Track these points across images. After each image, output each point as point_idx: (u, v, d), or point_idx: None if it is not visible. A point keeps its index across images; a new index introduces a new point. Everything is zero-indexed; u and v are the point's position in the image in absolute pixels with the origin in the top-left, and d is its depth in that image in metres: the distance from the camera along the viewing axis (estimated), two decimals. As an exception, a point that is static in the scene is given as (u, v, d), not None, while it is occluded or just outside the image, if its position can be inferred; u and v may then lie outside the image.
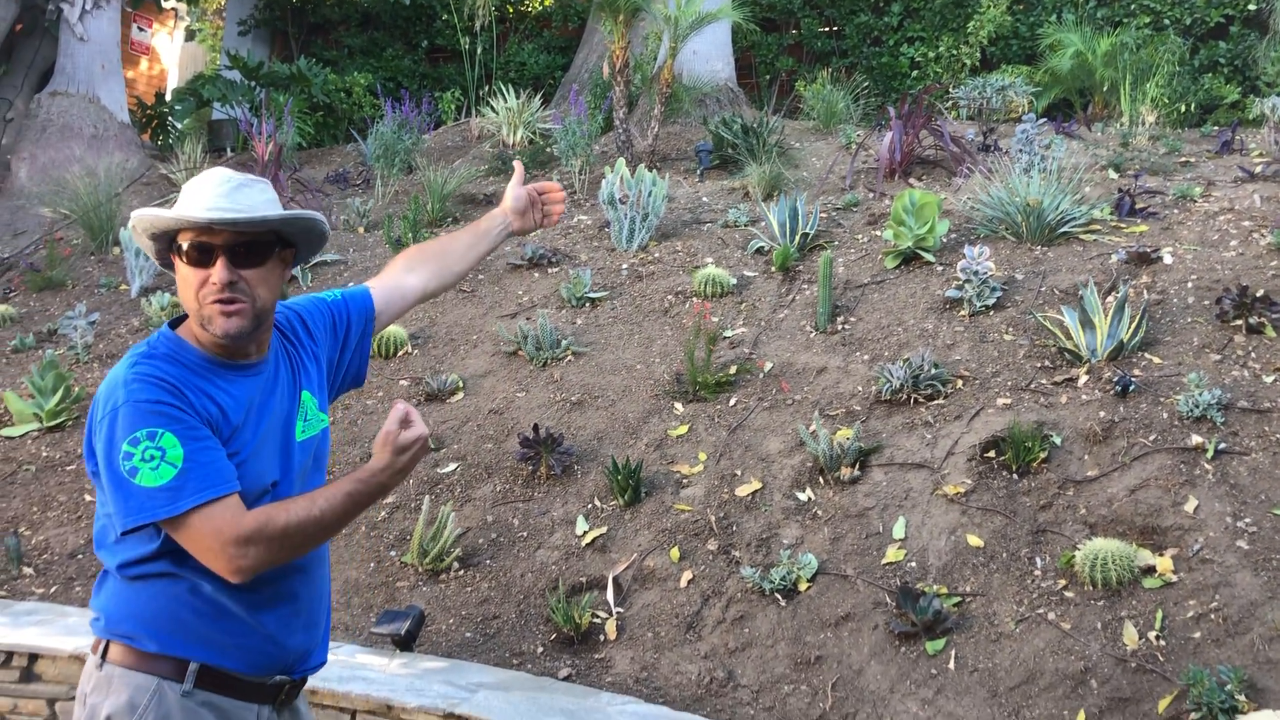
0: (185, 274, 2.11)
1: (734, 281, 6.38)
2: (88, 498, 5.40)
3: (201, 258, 2.10)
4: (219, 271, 2.08)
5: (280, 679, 2.21)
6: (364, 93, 11.83)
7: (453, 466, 5.23)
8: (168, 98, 12.58)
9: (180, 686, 2.08)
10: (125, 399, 2.03)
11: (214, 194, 2.10)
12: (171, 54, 16.10)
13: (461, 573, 4.65)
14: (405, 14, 13.62)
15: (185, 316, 2.19)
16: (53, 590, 4.87)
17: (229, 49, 12.73)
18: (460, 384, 5.82)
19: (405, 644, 4.14)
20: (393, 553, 4.81)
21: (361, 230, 8.32)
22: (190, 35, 16.35)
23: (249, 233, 2.11)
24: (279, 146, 9.56)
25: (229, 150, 11.21)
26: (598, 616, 4.32)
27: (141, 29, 14.57)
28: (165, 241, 2.17)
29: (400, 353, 6.23)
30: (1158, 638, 3.66)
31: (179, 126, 11.81)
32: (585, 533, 4.70)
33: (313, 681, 2.81)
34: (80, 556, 5.05)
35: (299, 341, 2.36)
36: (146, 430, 2.00)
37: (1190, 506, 4.07)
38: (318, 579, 2.30)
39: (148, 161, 10.74)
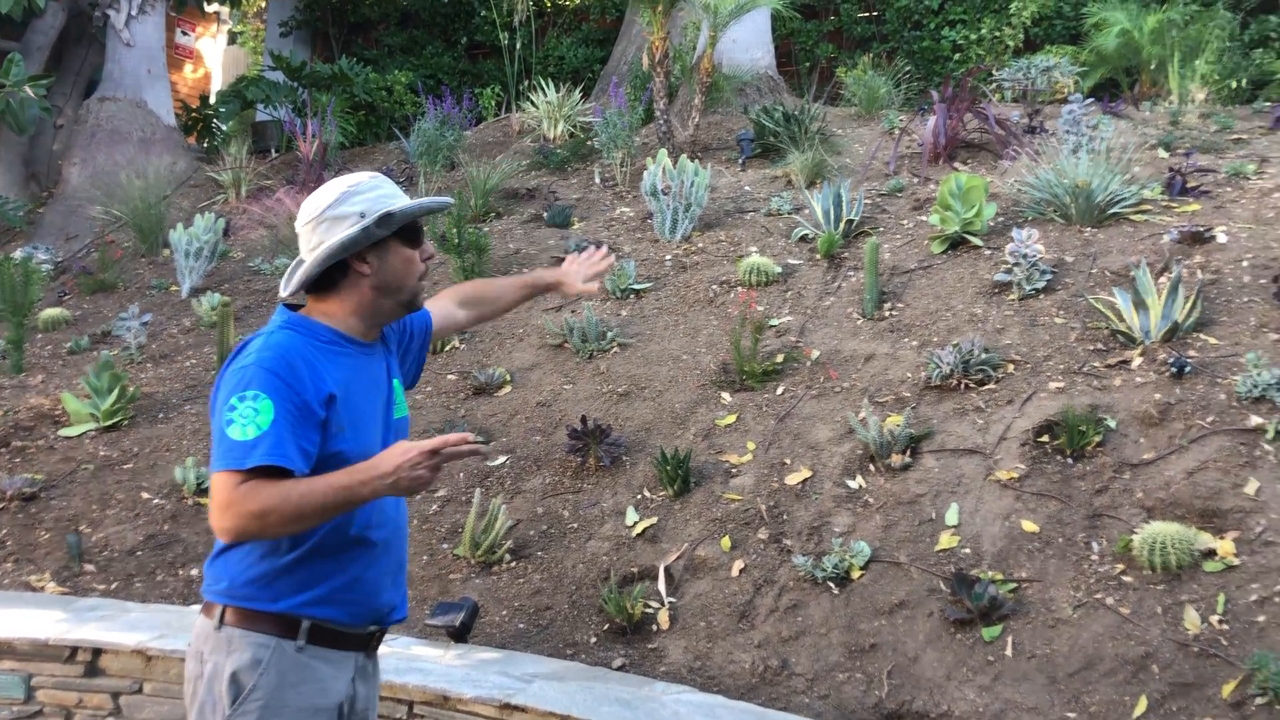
0: (406, 255, 2.41)
1: (779, 270, 6.36)
2: (144, 495, 5.49)
3: (420, 237, 2.45)
4: (429, 246, 2.48)
5: (373, 628, 2.44)
6: (405, 91, 11.90)
7: (502, 459, 5.25)
8: (212, 100, 12.73)
9: (295, 643, 2.28)
10: (251, 361, 2.23)
11: (397, 187, 2.45)
12: (215, 57, 16.30)
13: (513, 564, 4.67)
14: (444, 11, 13.67)
15: (302, 305, 2.43)
16: (113, 586, 4.95)
17: (271, 50, 12.85)
18: (507, 377, 5.84)
19: (460, 636, 4.17)
20: (445, 545, 4.85)
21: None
22: (232, 38, 16.52)
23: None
24: (323, 146, 9.66)
25: (274, 151, 11.32)
26: (650, 606, 4.32)
27: (185, 33, 14.77)
28: (382, 231, 2.36)
29: (448, 348, 6.26)
30: (1220, 622, 3.60)
31: (224, 128, 11.94)
32: (635, 523, 4.71)
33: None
34: (140, 553, 5.13)
35: (385, 334, 2.59)
36: (253, 391, 2.19)
37: (1251, 489, 4.00)
38: (404, 537, 2.54)
39: (194, 164, 10.87)
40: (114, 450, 5.91)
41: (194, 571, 4.95)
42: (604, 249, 3.21)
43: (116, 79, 10.97)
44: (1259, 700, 3.31)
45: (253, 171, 10.04)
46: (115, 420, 6.11)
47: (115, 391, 6.13)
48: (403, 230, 2.40)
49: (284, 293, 2.43)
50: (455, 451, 2.12)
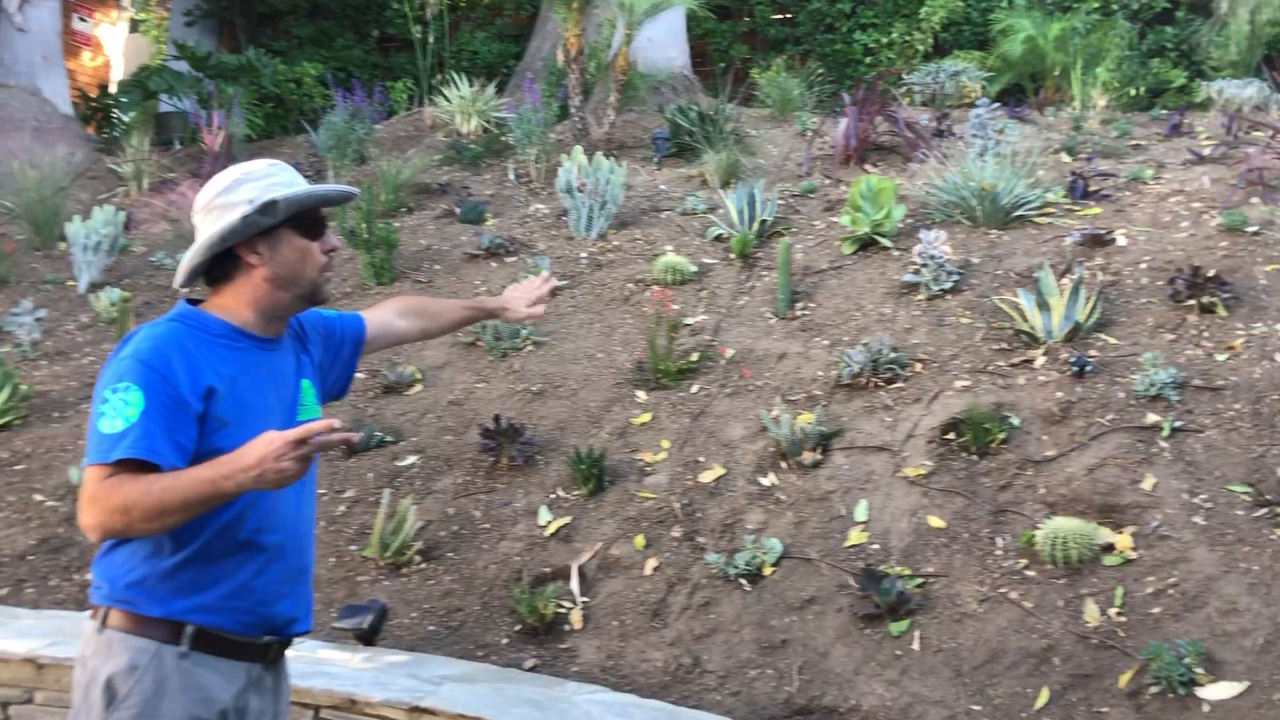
0: (304, 246, 2.30)
1: (694, 269, 6.37)
2: (37, 497, 5.29)
3: (319, 228, 2.34)
4: (333, 237, 2.38)
5: (269, 639, 2.31)
6: (314, 83, 11.67)
7: (412, 459, 5.18)
8: (112, 90, 12.33)
9: (178, 649, 2.17)
10: (128, 354, 2.16)
11: (298, 177, 2.35)
12: (115, 45, 15.79)
13: (423, 566, 4.60)
14: (355, 3, 13.44)
15: (201, 300, 2.33)
16: (3, 592, 4.76)
17: (175, 39, 12.49)
18: (418, 376, 5.76)
19: (368, 638, 4.09)
20: (353, 547, 4.76)
21: (315, 222, 8.20)
22: (134, 26, 16.02)
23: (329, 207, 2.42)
24: (229, 138, 9.41)
25: (178, 143, 10.99)
26: (562, 606, 4.30)
27: (83, 19, 14.28)
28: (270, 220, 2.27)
29: (357, 345, 6.15)
30: (1118, 614, 3.70)
31: (125, 119, 11.56)
32: (548, 523, 4.68)
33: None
34: (32, 558, 4.94)
35: (300, 333, 2.50)
36: (125, 384, 2.11)
37: (1148, 484, 4.12)
38: (307, 544, 2.42)
39: (94, 155, 10.51)
40: (4, 451, 5.68)
41: (89, 576, 4.78)
42: (547, 274, 3.10)
43: (8, 65, 10.56)
44: (1153, 689, 3.41)
45: (155, 164, 9.74)
46: (6, 420, 5.87)
47: (6, 390, 5.90)
48: (299, 220, 2.29)
49: (176, 284, 2.36)
50: (323, 440, 2.01)
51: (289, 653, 2.45)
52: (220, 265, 2.29)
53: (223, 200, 2.27)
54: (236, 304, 2.31)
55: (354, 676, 3.72)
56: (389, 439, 5.30)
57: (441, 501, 4.91)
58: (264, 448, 1.98)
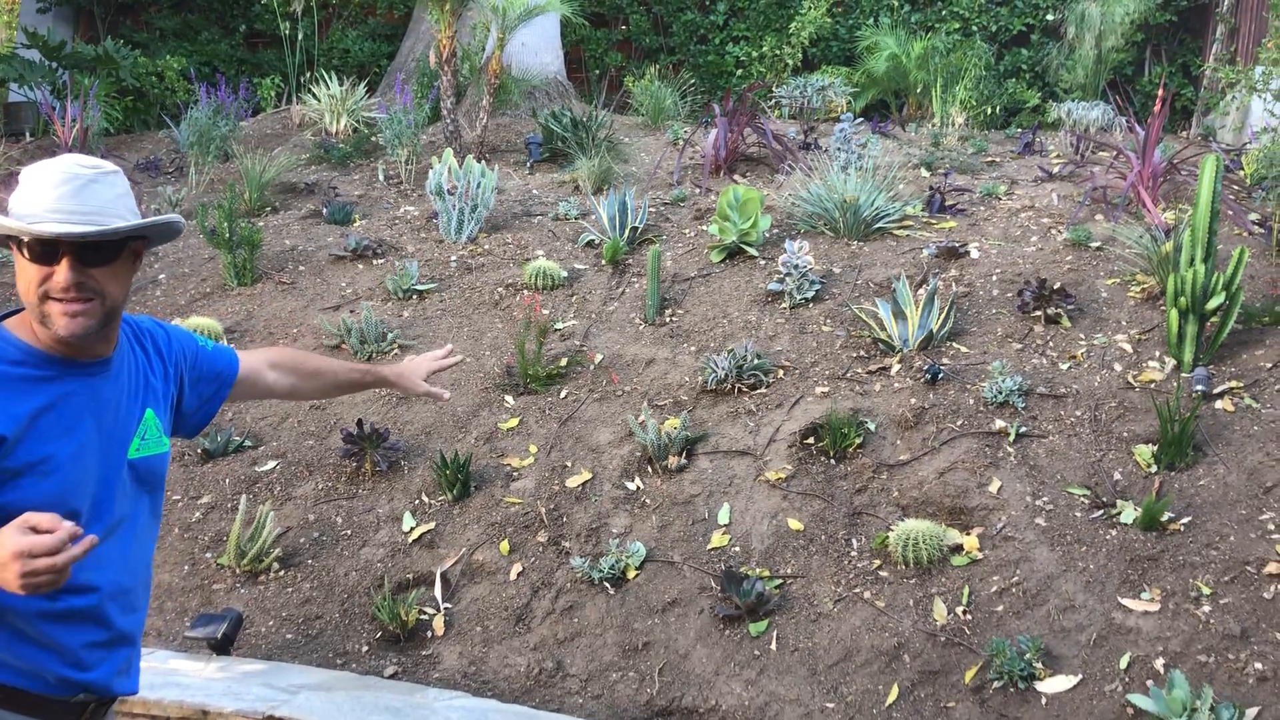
0: (25, 268, 1.97)
1: (565, 274, 6.39)
2: None
3: (45, 255, 1.96)
4: (64, 273, 1.95)
5: (85, 698, 2.11)
6: (177, 77, 11.30)
7: (272, 464, 5.05)
8: (-43, 77, 11.70)
9: None
10: None
11: (58, 193, 1.95)
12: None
13: (282, 573, 4.50)
14: (222, -4, 13.08)
15: (21, 309, 2.04)
16: None
17: (25, 27, 11.93)
18: (281, 379, 5.62)
19: (222, 648, 3.98)
20: (208, 554, 4.62)
21: (174, 220, 7.94)
22: (-18, 11, 15.26)
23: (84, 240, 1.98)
24: (84, 131, 9.04)
25: (28, 134, 10.51)
26: (425, 613, 4.25)
27: (-74, 2, 13.51)
28: None
29: (216, 347, 5.97)
30: (964, 612, 3.85)
31: (-30, 107, 11.00)
32: (412, 529, 4.62)
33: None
34: None
35: (152, 355, 2.26)
36: None
37: (994, 487, 4.30)
38: (129, 603, 2.17)
39: (-65, 145, 9.97)
40: None
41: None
42: (451, 348, 2.96)
43: None
44: (996, 684, 3.56)
45: (3, 155, 9.29)
46: None
47: None
48: (24, 242, 1.97)
49: None
50: (48, 564, 1.69)
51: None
52: None
53: None
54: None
55: (206, 687, 3.62)
56: (248, 443, 5.17)
57: (302, 507, 4.81)
58: (15, 542, 1.69)
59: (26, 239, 1.95)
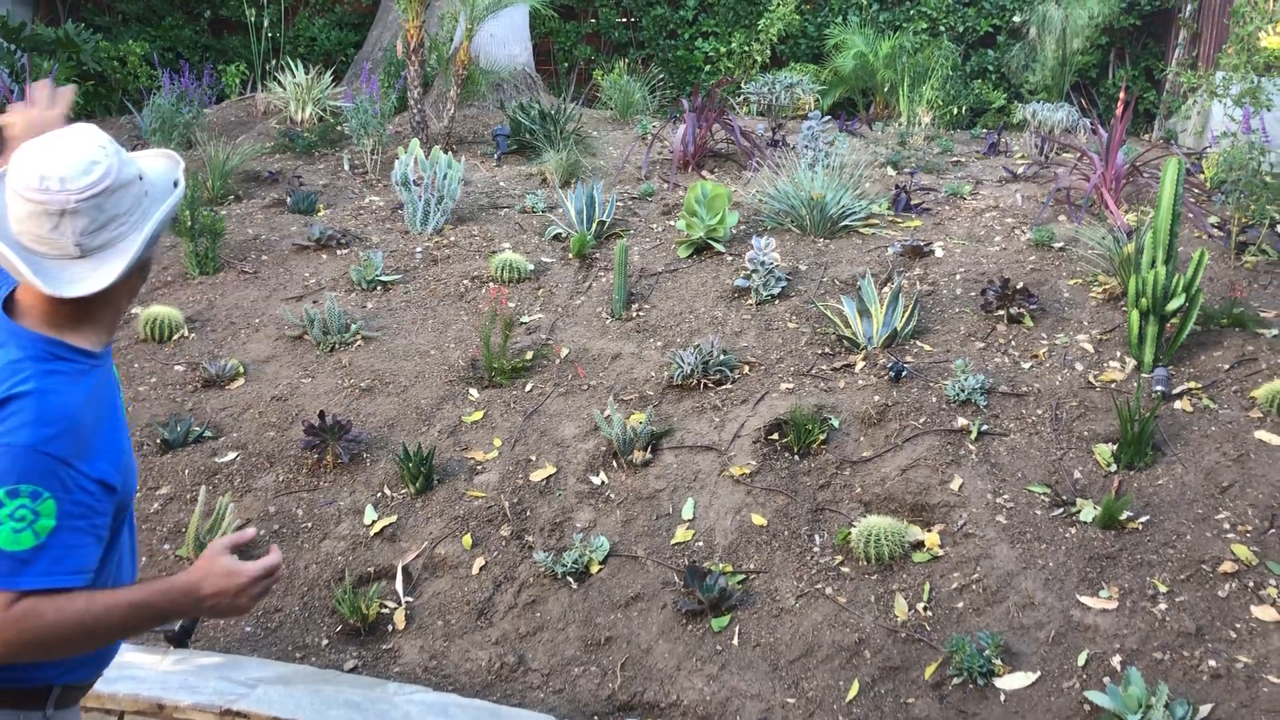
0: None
1: (531, 267, 6.36)
2: None
3: None
4: None
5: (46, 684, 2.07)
6: (140, 62, 11.13)
7: (232, 455, 5.00)
8: (-88, 57, 11.47)
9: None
10: (23, 442, 1.79)
11: (40, 229, 1.84)
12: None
13: (242, 565, 4.45)
14: (186, -19, 12.90)
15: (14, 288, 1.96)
16: None
17: (-15, 7, 11.72)
18: (241, 369, 5.57)
19: (179, 640, 3.89)
20: (167, 546, 4.56)
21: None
22: (-60, -10, 14.94)
23: None
24: (42, 115, 8.88)
25: (-16, 117, 10.33)
26: (386, 607, 4.23)
27: (-119, -20, 13.21)
28: None
29: (175, 336, 5.90)
30: (925, 609, 3.88)
31: (-75, 89, 10.79)
32: (374, 522, 4.59)
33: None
34: None
35: None
36: (30, 487, 1.77)
37: (956, 485, 4.33)
38: None
39: (-113, 127, 9.76)
40: None
41: None
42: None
43: None
44: (955, 680, 3.58)
45: (-42, 138, 9.12)
46: None
47: None
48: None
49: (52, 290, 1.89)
50: (273, 582, 1.87)
51: None
52: None
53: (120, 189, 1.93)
54: (83, 316, 1.93)
55: (162, 680, 3.58)
56: (208, 434, 5.11)
57: (262, 499, 4.76)
58: (223, 579, 1.80)
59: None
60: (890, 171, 7.76)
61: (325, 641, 4.11)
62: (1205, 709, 3.32)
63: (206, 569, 1.83)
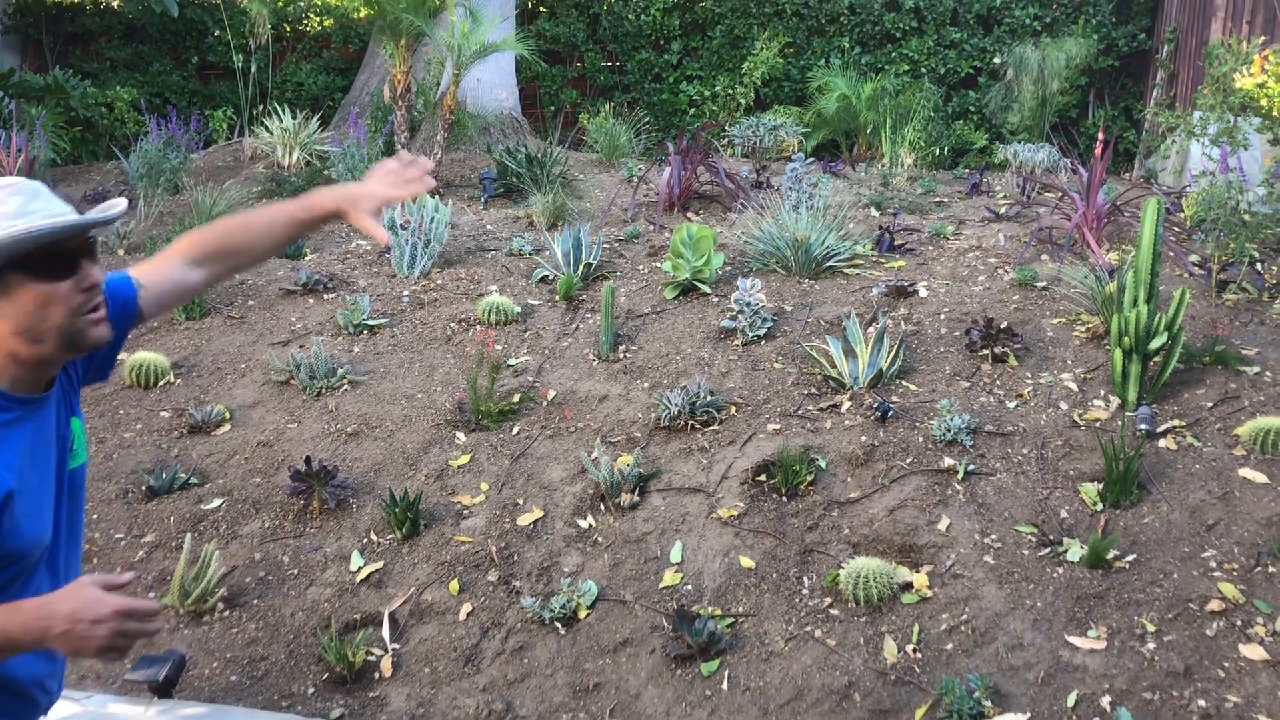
0: (41, 291, 1.82)
1: (518, 310, 6.38)
2: None
3: (65, 267, 1.84)
4: (92, 271, 1.87)
5: None
6: (127, 108, 11.20)
7: (218, 502, 4.97)
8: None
9: None
10: None
11: (41, 203, 1.82)
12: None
13: (226, 614, 4.42)
14: (174, 28, 12.99)
15: None
16: None
17: (-27, 55, 11.79)
18: (227, 415, 5.55)
19: (164, 690, 3.89)
20: (151, 594, 4.52)
21: (122, 253, 7.85)
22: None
23: (91, 234, 1.90)
24: (30, 161, 8.92)
25: (-29, 164, 10.35)
26: (372, 654, 4.19)
27: None
28: None
29: (161, 382, 5.89)
30: (914, 650, 3.86)
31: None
32: (360, 568, 4.56)
33: (53, 737, 2.60)
34: None
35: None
36: None
37: (943, 525, 4.34)
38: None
39: (-126, 173, 9.78)
40: None
41: None
42: (422, 160, 2.49)
43: None
44: (946, 722, 3.57)
45: (-55, 185, 9.13)
46: None
47: None
48: (29, 261, 1.82)
49: None
50: (146, 629, 1.73)
51: (74, 708, 2.27)
52: None
53: None
54: None
55: (145, 732, 3.54)
56: (193, 481, 5.09)
57: (248, 546, 4.74)
58: (81, 603, 1.68)
59: (41, 258, 1.82)
60: (874, 212, 7.82)
61: (312, 689, 4.07)
62: (1196, 749, 3.31)
63: (68, 592, 1.72)
